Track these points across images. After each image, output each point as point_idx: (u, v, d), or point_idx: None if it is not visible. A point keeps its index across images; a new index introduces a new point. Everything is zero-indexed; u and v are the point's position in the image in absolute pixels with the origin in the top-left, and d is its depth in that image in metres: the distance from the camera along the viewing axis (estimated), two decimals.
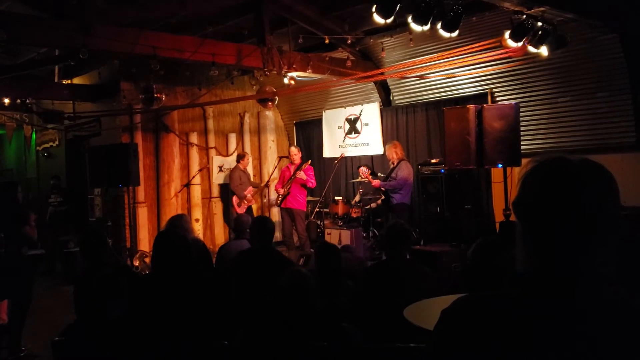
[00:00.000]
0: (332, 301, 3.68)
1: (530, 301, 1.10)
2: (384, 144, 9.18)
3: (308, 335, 2.80)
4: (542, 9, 5.80)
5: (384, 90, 9.68)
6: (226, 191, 10.27)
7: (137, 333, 2.97)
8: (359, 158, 9.97)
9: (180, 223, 5.24)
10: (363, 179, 8.54)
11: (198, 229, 9.82)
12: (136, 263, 8.13)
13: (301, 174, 8.44)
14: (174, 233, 3.87)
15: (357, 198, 9.08)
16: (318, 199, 9.30)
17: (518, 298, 1.12)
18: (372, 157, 9.84)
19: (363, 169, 8.53)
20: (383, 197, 8.40)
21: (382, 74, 8.66)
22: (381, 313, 3.67)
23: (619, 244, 1.10)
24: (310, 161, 9.01)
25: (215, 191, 10.36)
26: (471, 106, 6.65)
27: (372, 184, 8.31)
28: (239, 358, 2.93)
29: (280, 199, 8.79)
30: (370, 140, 9.71)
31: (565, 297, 1.08)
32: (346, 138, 9.94)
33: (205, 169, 10.23)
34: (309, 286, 2.91)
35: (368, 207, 8.85)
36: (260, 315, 3.01)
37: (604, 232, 1.09)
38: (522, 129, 6.64)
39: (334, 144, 10.29)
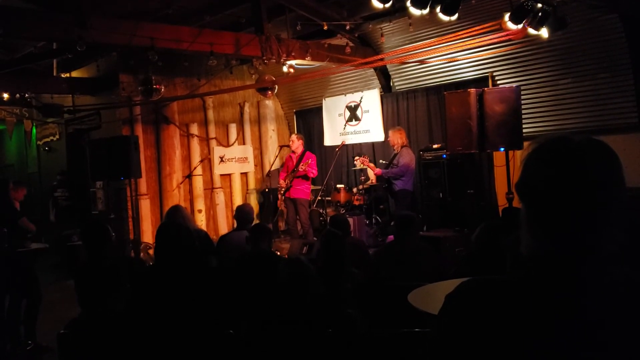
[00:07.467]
0: (336, 288, 3.69)
1: (534, 283, 1.09)
2: (385, 130, 9.15)
3: (313, 323, 2.80)
4: None
5: (384, 77, 9.63)
6: (228, 182, 10.33)
7: (141, 325, 2.98)
8: (360, 145, 9.95)
9: (178, 215, 5.24)
10: (364, 167, 8.52)
11: (201, 219, 9.84)
12: (140, 255, 8.14)
13: (303, 167, 8.41)
14: (176, 224, 3.87)
15: (360, 186, 9.07)
16: (320, 187, 9.28)
17: (522, 280, 1.11)
18: (373, 144, 9.82)
19: (362, 158, 8.49)
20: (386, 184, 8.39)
21: (381, 59, 8.61)
22: (387, 297, 3.68)
23: (624, 224, 1.09)
24: (313, 159, 8.85)
25: (218, 182, 10.36)
26: (472, 90, 6.61)
27: (374, 172, 8.29)
28: (244, 347, 2.94)
29: (283, 189, 8.78)
30: (371, 127, 9.67)
31: (570, 277, 1.07)
32: (347, 126, 9.88)
33: (207, 160, 10.23)
34: (308, 274, 2.91)
35: (366, 185, 8.82)
36: (264, 305, 3.01)
37: (608, 210, 1.07)
38: (523, 112, 6.61)
39: (335, 131, 10.25)
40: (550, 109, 7.47)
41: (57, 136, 12.02)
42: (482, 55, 7.74)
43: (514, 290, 1.11)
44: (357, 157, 8.66)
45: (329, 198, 9.34)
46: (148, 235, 8.98)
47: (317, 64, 8.48)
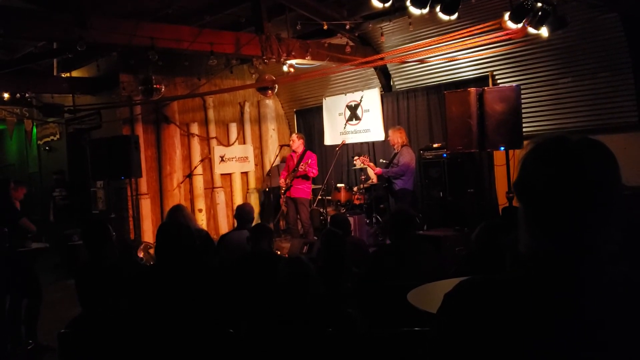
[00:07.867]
0: (336, 288, 3.69)
1: (533, 282, 1.10)
2: (385, 130, 9.15)
3: (313, 323, 2.80)
4: None
5: (384, 76, 9.63)
6: (228, 181, 10.32)
7: (142, 324, 2.98)
8: (360, 145, 9.95)
9: (179, 214, 5.25)
10: (364, 167, 8.52)
11: (201, 219, 9.85)
12: (140, 254, 8.14)
13: (304, 166, 8.40)
14: (177, 223, 3.87)
15: (361, 185, 9.07)
16: (320, 186, 9.29)
17: (521, 279, 1.12)
18: (373, 143, 9.81)
19: (362, 157, 8.48)
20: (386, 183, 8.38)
21: (382, 59, 8.61)
22: (387, 297, 3.68)
23: (622, 223, 1.09)
24: (313, 158, 8.82)
25: (218, 181, 10.36)
26: (472, 89, 6.60)
27: (374, 172, 8.29)
28: (244, 347, 2.95)
29: (284, 189, 8.78)
30: (371, 127, 9.67)
31: (569, 277, 1.07)
32: (347, 125, 9.89)
33: (207, 159, 10.23)
34: (309, 273, 2.91)
35: (367, 185, 8.81)
36: (264, 305, 3.01)
37: (606, 209, 1.08)
38: (523, 111, 6.60)
39: (335, 131, 10.25)
40: (551, 108, 7.47)
41: (58, 136, 12.02)
42: (482, 55, 7.74)
43: (513, 290, 1.11)
44: (356, 157, 8.66)
45: (330, 197, 9.35)
46: (148, 234, 8.99)
47: (317, 63, 8.48)
